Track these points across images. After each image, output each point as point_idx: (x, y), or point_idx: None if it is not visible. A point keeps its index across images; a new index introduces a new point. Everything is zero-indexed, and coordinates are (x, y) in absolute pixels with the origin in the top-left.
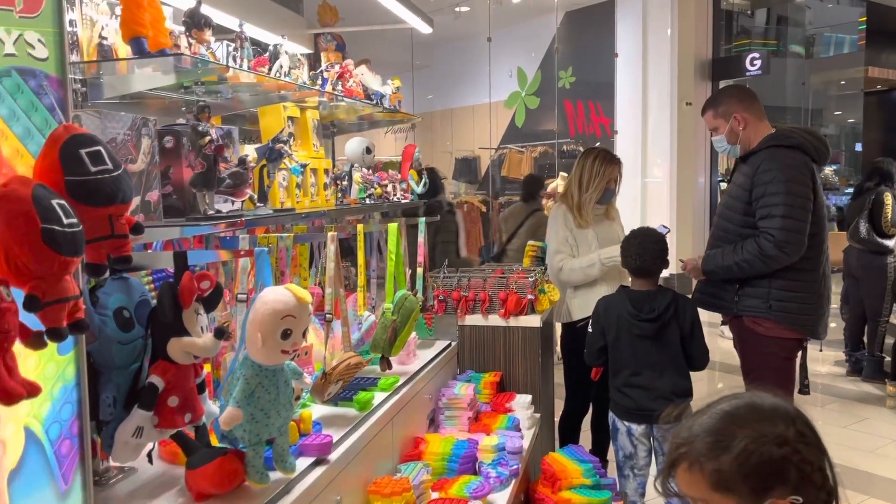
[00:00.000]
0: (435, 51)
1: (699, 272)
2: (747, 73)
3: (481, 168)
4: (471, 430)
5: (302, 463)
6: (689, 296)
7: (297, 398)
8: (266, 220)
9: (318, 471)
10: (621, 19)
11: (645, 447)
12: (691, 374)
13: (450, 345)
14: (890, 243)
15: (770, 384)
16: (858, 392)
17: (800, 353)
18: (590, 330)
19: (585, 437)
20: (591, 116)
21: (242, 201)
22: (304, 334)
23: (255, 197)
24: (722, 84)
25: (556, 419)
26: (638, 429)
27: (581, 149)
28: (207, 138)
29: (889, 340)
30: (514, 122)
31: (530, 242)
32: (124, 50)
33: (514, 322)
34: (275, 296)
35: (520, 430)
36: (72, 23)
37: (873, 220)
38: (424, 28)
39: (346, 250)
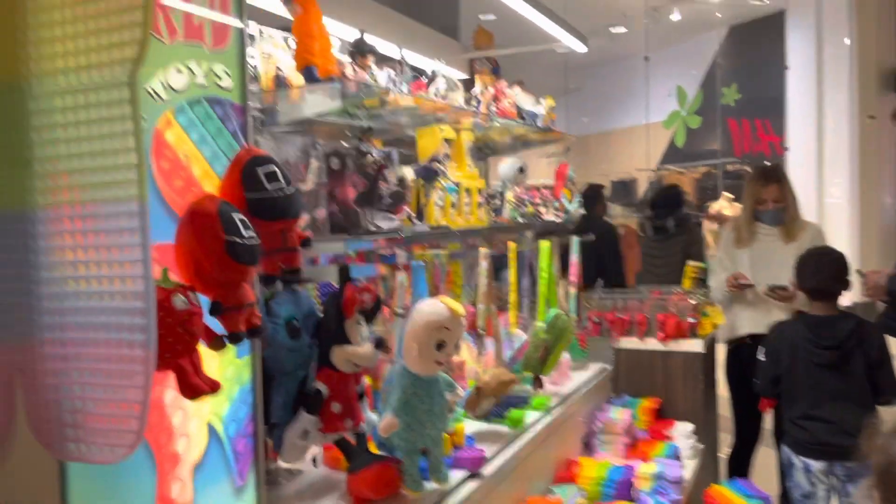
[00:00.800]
0: (589, 73)
1: (882, 292)
2: None
3: (638, 191)
4: (627, 457)
5: (456, 476)
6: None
7: (451, 411)
8: (423, 237)
9: (472, 485)
10: (792, 31)
11: (824, 486)
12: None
13: (605, 368)
14: None
15: None
16: None
17: None
18: (762, 358)
19: (759, 474)
20: (758, 134)
21: (401, 219)
22: (456, 347)
23: (413, 215)
24: None
25: (720, 454)
26: (816, 465)
27: (748, 169)
28: (370, 158)
29: None
30: (674, 143)
31: (690, 263)
32: (297, 81)
33: (673, 346)
34: (430, 308)
35: (680, 460)
36: (251, 56)
37: None
38: (580, 47)
39: (499, 270)
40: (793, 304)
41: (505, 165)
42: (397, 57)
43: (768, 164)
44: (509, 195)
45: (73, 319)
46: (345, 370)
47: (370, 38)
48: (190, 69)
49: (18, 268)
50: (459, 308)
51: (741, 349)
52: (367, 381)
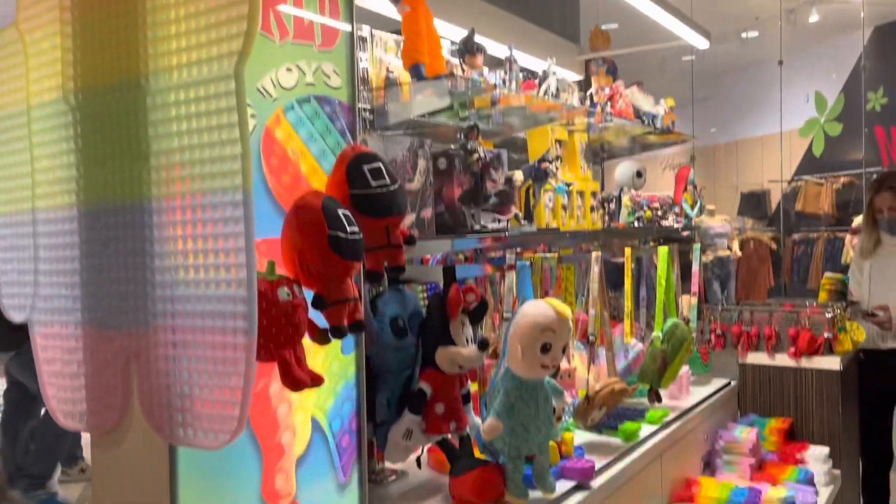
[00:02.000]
0: (718, 81)
1: None
2: None
3: (771, 203)
4: (753, 479)
5: (563, 486)
6: None
7: (559, 419)
8: (531, 238)
9: (580, 496)
10: None
11: None
12: None
13: (729, 383)
14: None
15: None
16: None
17: None
18: None
19: None
20: None
21: (508, 219)
22: (563, 351)
23: (521, 215)
24: None
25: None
26: None
27: None
28: (476, 155)
29: None
30: (812, 151)
31: (827, 275)
32: (407, 84)
33: (806, 363)
34: (535, 309)
35: (813, 486)
36: (362, 58)
37: None
38: (702, 43)
39: (614, 281)
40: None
41: (622, 168)
42: (509, 57)
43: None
44: (625, 199)
45: (183, 307)
46: (449, 371)
47: (482, 40)
48: (300, 68)
49: (135, 257)
50: (566, 310)
51: (878, 357)
52: (472, 387)
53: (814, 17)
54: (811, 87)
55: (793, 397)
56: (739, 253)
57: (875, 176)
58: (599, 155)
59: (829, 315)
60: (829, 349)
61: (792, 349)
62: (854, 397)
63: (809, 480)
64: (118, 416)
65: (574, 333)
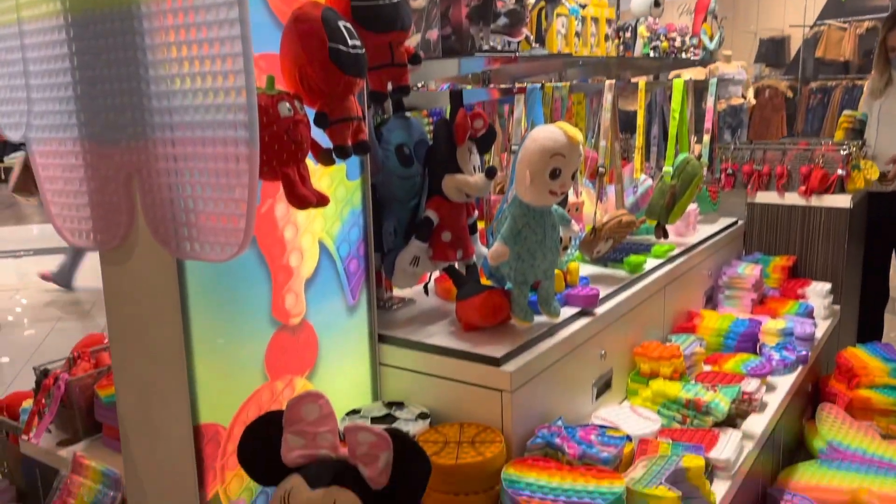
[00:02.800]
0: None
1: None
2: None
3: (791, 49)
4: (754, 313)
5: (567, 312)
6: None
7: (565, 248)
8: (541, 62)
9: (583, 321)
10: None
11: None
12: None
13: (736, 222)
14: None
15: None
16: None
17: None
18: None
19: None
20: None
21: (518, 42)
22: (573, 177)
23: (532, 38)
24: None
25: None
26: None
27: None
28: None
29: None
30: None
31: (846, 112)
32: None
33: (816, 202)
34: (545, 133)
35: (813, 318)
36: None
37: None
38: None
39: (624, 122)
40: None
41: None
42: None
43: None
44: (642, 29)
45: (181, 118)
46: (455, 199)
47: None
48: None
49: (127, 67)
50: (577, 133)
51: (879, 198)
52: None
53: None
54: None
55: (799, 235)
56: (754, 101)
57: (892, 11)
58: None
59: (843, 153)
60: (842, 187)
61: (802, 187)
62: (861, 236)
63: (809, 313)
64: (124, 232)
65: (583, 170)
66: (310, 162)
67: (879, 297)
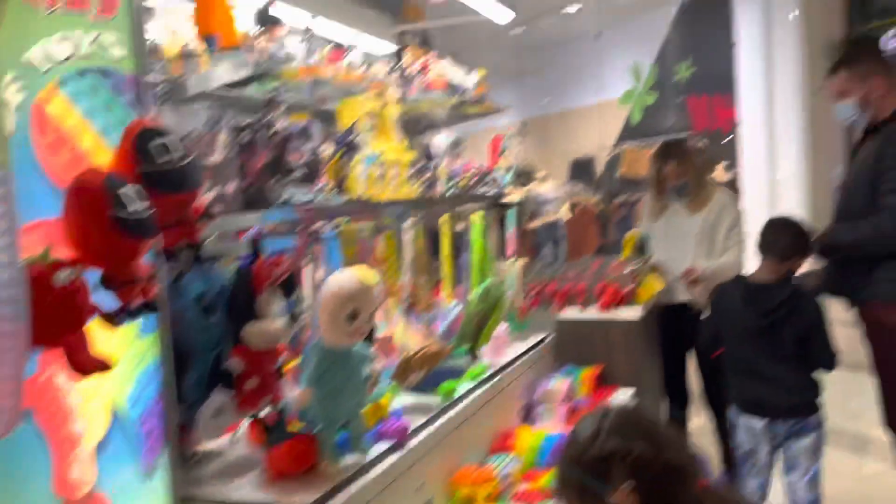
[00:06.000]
0: (546, 54)
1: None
2: (884, 55)
3: (597, 168)
4: (567, 425)
5: (380, 448)
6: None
7: (374, 384)
8: (339, 209)
9: (396, 455)
10: (739, 5)
11: (766, 445)
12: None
13: (545, 338)
14: None
15: None
16: None
17: None
18: (705, 316)
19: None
20: (715, 110)
21: (316, 191)
22: (372, 317)
23: (330, 186)
24: None
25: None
26: (758, 424)
27: (702, 146)
28: (274, 130)
29: None
30: (631, 120)
31: (630, 232)
32: (204, 55)
33: (612, 315)
34: (341, 278)
35: None
36: (151, 28)
37: None
38: (504, 16)
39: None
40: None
41: (439, 138)
42: (316, 28)
43: (671, 139)
44: (441, 168)
45: None
46: (258, 347)
47: (287, 9)
48: (73, 39)
49: None
50: (372, 277)
51: (673, 310)
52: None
53: None
54: (629, 59)
55: (602, 346)
56: (569, 216)
57: (659, 146)
58: (418, 125)
59: (630, 269)
60: (632, 300)
61: (600, 302)
62: (656, 342)
63: None
64: None
65: (397, 300)
66: (99, 323)
67: (680, 397)
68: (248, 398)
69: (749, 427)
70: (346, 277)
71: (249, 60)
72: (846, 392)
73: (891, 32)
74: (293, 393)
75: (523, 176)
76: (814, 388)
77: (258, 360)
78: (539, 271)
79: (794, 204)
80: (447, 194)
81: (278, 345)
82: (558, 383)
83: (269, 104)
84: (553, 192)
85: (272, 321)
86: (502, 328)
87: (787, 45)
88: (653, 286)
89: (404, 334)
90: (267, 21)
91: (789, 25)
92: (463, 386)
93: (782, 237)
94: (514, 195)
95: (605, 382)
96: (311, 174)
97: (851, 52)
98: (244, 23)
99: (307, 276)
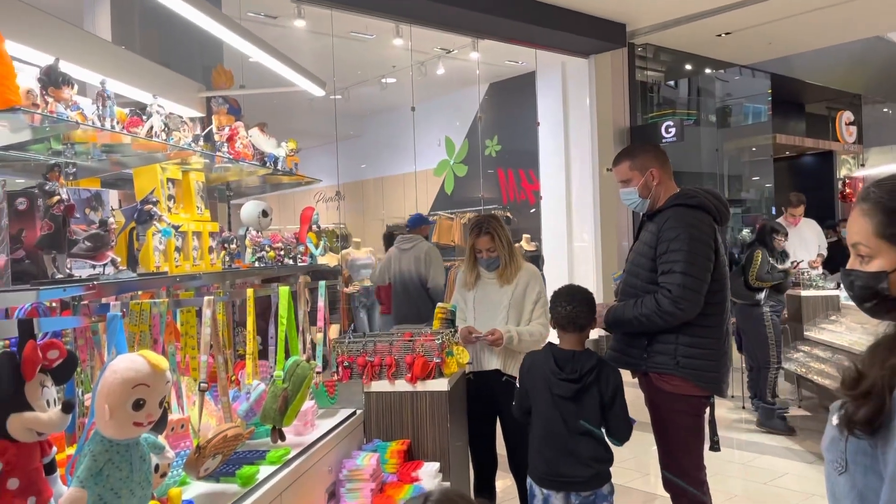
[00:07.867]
0: (364, 122)
1: (600, 322)
2: (663, 140)
3: None
4: (373, 503)
5: None
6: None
7: (163, 475)
8: (127, 285)
9: None
10: (542, 90)
11: None
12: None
13: (354, 413)
14: (759, 296)
15: (680, 443)
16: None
17: (707, 410)
18: (518, 386)
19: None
20: (522, 184)
21: (104, 265)
22: (160, 404)
23: (119, 260)
24: None
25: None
26: (556, 497)
27: (509, 215)
28: (56, 198)
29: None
30: (444, 190)
31: (439, 305)
32: None
33: (421, 387)
34: (126, 363)
35: None
36: None
37: (745, 275)
38: (317, 91)
39: (243, 318)
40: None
41: (247, 207)
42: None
43: (486, 214)
44: (247, 241)
45: None
46: (25, 440)
47: (89, 73)
48: None
49: None
50: (161, 361)
51: (479, 379)
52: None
53: (440, 70)
54: (442, 132)
55: (410, 419)
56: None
57: (474, 220)
58: (225, 194)
59: (438, 341)
60: (440, 372)
61: (409, 375)
62: (463, 413)
63: None
64: None
65: (194, 380)
66: None
67: (487, 465)
68: (8, 499)
69: (546, 499)
70: (133, 362)
71: (31, 121)
72: (635, 450)
73: (667, 123)
74: (65, 493)
75: (340, 239)
76: (609, 460)
77: (23, 455)
78: (349, 343)
79: (590, 271)
80: (253, 266)
81: (47, 437)
82: (365, 459)
83: (51, 170)
84: (368, 258)
85: (43, 410)
86: (309, 404)
87: (581, 129)
88: (462, 357)
89: (201, 417)
90: (54, 80)
91: (584, 110)
92: (264, 470)
93: (578, 310)
94: (329, 260)
95: (412, 457)
96: (98, 247)
97: (632, 144)
98: (27, 80)
99: (88, 359)
